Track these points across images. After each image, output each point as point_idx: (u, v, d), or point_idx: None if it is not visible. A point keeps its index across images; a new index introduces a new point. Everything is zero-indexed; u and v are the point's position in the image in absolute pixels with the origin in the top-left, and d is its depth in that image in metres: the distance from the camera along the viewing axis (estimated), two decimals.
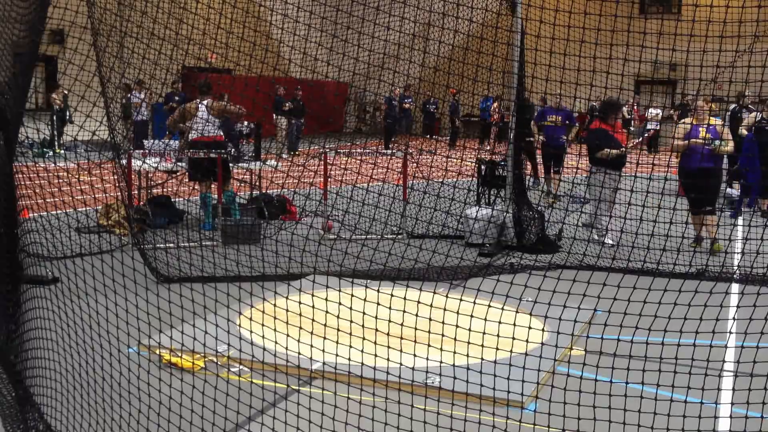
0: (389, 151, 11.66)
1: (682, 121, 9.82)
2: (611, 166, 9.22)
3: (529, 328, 3.89)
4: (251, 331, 4.65)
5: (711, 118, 8.98)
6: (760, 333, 3.35)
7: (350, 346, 3.96)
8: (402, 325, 3.89)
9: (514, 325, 3.74)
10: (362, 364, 3.93)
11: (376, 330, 3.93)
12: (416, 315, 3.95)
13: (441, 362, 3.93)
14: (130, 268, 3.96)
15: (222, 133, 9.83)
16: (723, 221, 9.75)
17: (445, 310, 3.77)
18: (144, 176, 10.36)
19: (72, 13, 4.27)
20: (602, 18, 4.42)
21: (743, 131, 12.09)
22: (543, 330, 4.01)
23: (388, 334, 3.88)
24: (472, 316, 3.84)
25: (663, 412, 3.38)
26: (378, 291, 3.91)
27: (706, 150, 8.56)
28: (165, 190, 10.61)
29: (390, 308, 3.80)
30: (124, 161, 8.48)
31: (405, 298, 3.89)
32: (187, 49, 5.37)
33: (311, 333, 4.09)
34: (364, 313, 3.92)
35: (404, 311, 3.89)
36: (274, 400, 4.27)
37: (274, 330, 4.14)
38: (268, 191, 11.04)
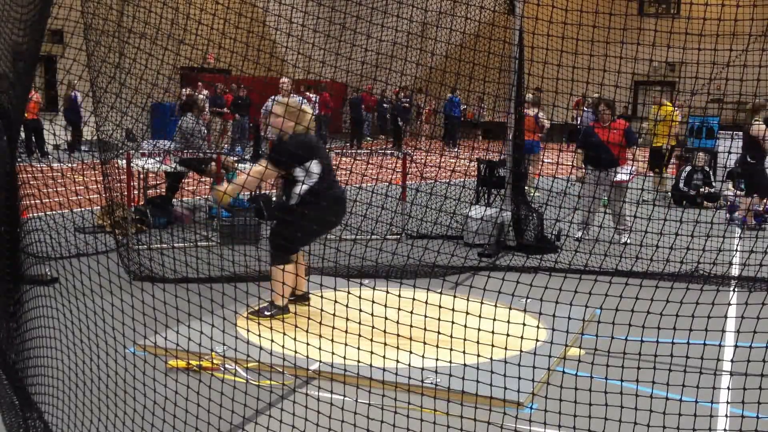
0: (386, 151, 11.66)
1: None
2: (602, 166, 9.26)
3: (526, 326, 3.89)
4: (248, 331, 4.67)
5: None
6: (752, 332, 3.38)
7: (346, 344, 3.97)
8: (398, 322, 3.90)
9: (508, 322, 3.75)
10: (358, 362, 3.93)
11: (373, 328, 3.95)
12: (411, 313, 3.96)
13: (437, 359, 3.94)
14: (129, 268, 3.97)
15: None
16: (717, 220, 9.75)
17: (440, 308, 3.78)
18: (144, 176, 10.35)
19: (76, 13, 4.25)
20: (613, 17, 4.42)
21: None
22: (538, 327, 4.01)
23: (385, 333, 3.89)
24: (468, 313, 3.85)
25: (671, 411, 3.42)
26: (374, 289, 3.92)
27: None
28: (175, 191, 10.56)
29: (386, 306, 3.81)
30: (123, 161, 8.48)
31: (399, 296, 3.90)
32: (206, 47, 5.30)
33: (307, 332, 4.10)
34: (360, 311, 3.93)
35: (399, 309, 3.90)
36: (271, 400, 4.28)
37: (271, 329, 4.15)
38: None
